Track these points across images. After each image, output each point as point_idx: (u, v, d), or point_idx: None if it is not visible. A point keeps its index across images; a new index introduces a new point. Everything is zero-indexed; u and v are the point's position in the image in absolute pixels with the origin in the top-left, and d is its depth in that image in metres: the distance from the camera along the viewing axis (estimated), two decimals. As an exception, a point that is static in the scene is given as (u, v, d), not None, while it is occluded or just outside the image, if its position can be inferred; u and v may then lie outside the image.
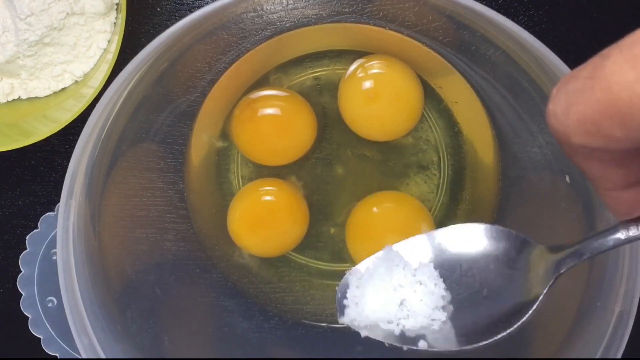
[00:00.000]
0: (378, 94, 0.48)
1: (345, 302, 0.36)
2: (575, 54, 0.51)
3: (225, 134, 0.51)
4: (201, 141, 0.50)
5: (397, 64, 0.48)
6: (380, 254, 0.37)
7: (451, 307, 0.34)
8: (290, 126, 0.49)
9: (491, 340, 0.32)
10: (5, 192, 0.53)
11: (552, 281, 0.31)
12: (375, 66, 0.48)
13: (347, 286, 0.36)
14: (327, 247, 0.51)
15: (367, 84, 0.48)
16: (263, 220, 0.49)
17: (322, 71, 0.51)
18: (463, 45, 0.45)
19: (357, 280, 0.36)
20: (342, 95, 0.49)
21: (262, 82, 0.51)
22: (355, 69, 0.48)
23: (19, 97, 0.50)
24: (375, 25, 0.47)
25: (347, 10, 0.46)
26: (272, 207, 0.49)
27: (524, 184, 0.47)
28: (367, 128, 0.49)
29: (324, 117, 0.50)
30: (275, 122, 0.49)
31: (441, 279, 0.34)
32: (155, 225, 0.48)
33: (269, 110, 0.49)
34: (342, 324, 0.36)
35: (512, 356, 0.42)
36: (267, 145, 0.49)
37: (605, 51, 0.21)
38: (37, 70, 0.48)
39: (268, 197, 0.50)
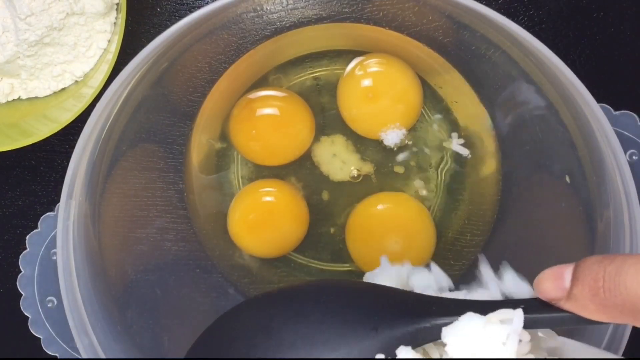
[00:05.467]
0: (377, 92, 0.48)
1: None
2: (575, 54, 0.51)
3: (224, 135, 0.51)
4: (201, 141, 0.50)
5: (395, 62, 0.48)
6: None
7: None
8: (288, 126, 0.49)
9: None
10: (5, 192, 0.53)
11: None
12: (373, 64, 0.48)
13: None
14: (327, 247, 0.51)
15: (366, 82, 0.48)
16: (263, 221, 0.49)
17: (321, 71, 0.51)
18: (463, 45, 0.45)
19: None
20: (341, 94, 0.49)
21: (261, 82, 0.51)
22: (354, 68, 0.48)
23: (19, 97, 0.50)
24: (375, 25, 0.47)
25: (347, 10, 0.46)
26: (272, 208, 0.49)
27: (524, 184, 0.47)
28: (367, 126, 0.49)
29: (323, 117, 0.50)
30: (273, 122, 0.49)
31: None
32: (155, 225, 0.48)
33: (267, 111, 0.49)
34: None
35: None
36: (265, 146, 0.49)
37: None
38: (37, 70, 0.48)
39: (268, 198, 0.50)
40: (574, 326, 0.29)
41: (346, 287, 0.35)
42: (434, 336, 0.31)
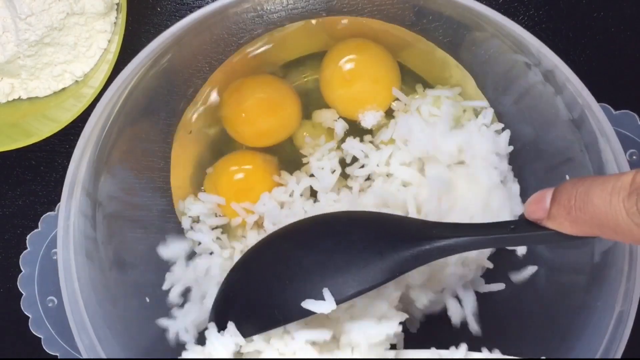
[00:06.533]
0: (353, 75, 0.48)
1: None
2: (575, 54, 0.51)
3: (221, 135, 0.51)
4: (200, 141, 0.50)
5: (372, 46, 0.48)
6: None
7: None
8: (276, 108, 0.49)
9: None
10: (5, 192, 0.53)
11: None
12: (351, 48, 0.48)
13: None
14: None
15: (344, 66, 0.48)
16: (240, 190, 0.49)
17: (312, 75, 0.50)
18: (463, 45, 0.45)
19: None
20: (322, 77, 0.49)
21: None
22: (334, 52, 0.49)
23: (19, 97, 0.50)
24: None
25: (346, 10, 0.46)
26: (246, 180, 0.49)
27: (523, 184, 0.47)
28: (345, 107, 0.49)
29: (308, 101, 0.50)
30: (261, 104, 0.49)
31: None
32: (155, 225, 0.48)
33: (255, 93, 0.49)
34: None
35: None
36: (254, 127, 0.49)
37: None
38: (37, 70, 0.48)
39: (242, 171, 0.49)
40: (555, 242, 0.33)
41: (354, 217, 0.40)
42: (434, 256, 0.36)
